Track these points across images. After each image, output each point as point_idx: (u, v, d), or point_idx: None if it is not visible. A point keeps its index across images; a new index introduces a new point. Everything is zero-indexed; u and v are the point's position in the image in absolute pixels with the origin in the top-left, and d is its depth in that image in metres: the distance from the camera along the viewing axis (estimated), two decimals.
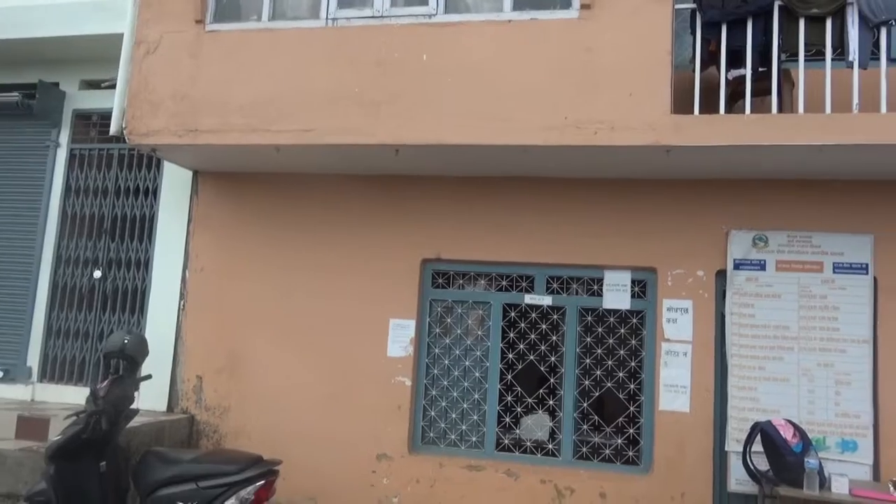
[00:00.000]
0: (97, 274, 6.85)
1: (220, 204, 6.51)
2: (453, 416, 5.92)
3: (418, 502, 5.71)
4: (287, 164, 6.06)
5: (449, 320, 6.07)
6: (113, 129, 5.89)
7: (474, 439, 5.86)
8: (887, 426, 5.06)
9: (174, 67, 5.73)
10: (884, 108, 4.65)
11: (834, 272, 5.29)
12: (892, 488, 4.56)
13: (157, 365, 5.86)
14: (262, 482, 4.55)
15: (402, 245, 6.03)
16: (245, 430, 6.09)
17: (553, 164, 5.52)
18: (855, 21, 4.76)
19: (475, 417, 5.88)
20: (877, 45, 4.81)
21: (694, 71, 5.08)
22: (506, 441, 5.86)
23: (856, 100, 4.69)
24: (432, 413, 5.95)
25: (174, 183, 6.66)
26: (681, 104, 5.00)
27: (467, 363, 5.96)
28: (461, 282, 6.11)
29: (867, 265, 5.24)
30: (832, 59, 4.80)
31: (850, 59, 4.77)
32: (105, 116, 6.40)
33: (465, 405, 5.92)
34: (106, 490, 4.48)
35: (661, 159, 5.12)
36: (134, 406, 4.81)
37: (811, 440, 4.87)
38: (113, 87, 6.05)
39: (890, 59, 4.86)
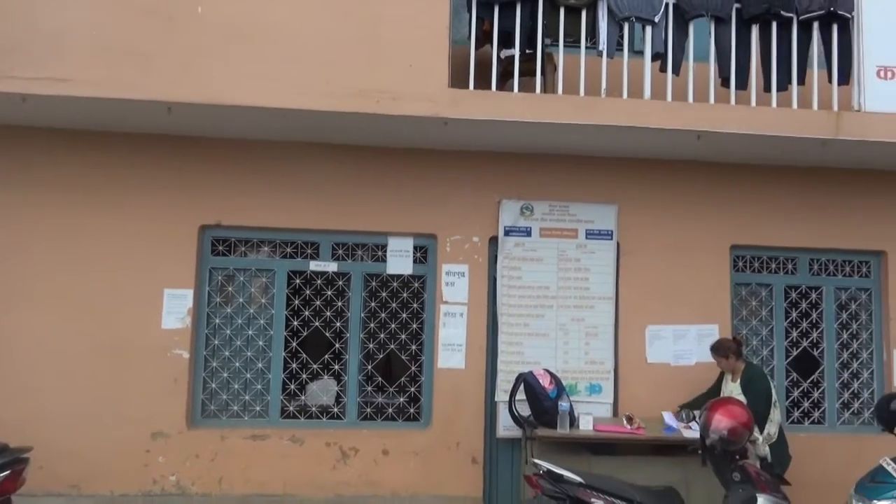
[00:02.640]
0: None
1: None
2: (236, 386, 5.76)
3: (198, 478, 5.50)
4: (39, 117, 5.37)
5: (230, 289, 5.86)
6: None
7: (258, 409, 5.76)
8: (624, 369, 5.89)
9: None
10: (625, 94, 5.32)
11: (586, 238, 5.98)
12: (625, 421, 5.35)
13: None
14: (7, 472, 4.07)
15: (178, 210, 5.67)
16: None
17: (337, 131, 5.53)
18: (604, 15, 5.36)
19: (259, 387, 5.78)
20: (623, 37, 5.47)
21: (470, 48, 5.37)
22: (291, 408, 5.84)
23: (604, 85, 5.30)
24: (213, 385, 5.74)
25: None
26: (458, 79, 5.29)
27: (250, 332, 5.82)
28: (243, 249, 5.92)
29: (612, 231, 6.00)
30: (586, 48, 5.37)
31: (600, 48, 5.38)
32: None
33: (248, 375, 5.78)
34: None
35: (440, 130, 5.38)
36: None
37: (565, 386, 5.52)
38: None
39: (633, 51, 5.54)
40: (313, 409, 5.96)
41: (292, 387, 5.88)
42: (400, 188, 5.88)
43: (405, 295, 6.00)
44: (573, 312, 5.90)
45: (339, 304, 5.97)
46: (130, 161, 5.68)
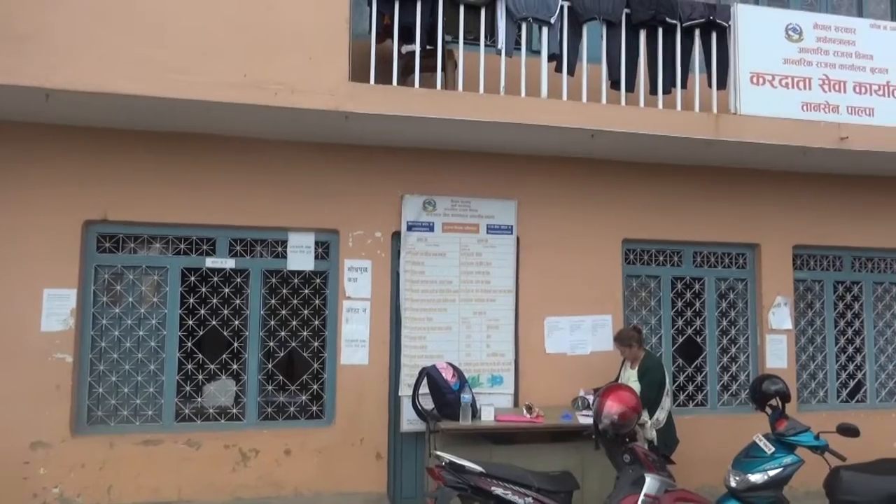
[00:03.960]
0: None
1: None
2: (126, 390, 5.47)
3: (85, 488, 5.19)
4: None
5: (119, 287, 5.55)
6: None
7: (151, 413, 5.50)
8: (524, 360, 6.06)
9: None
10: (523, 93, 5.47)
11: (487, 233, 6.10)
12: (525, 411, 5.51)
13: None
14: None
15: (59, 205, 5.30)
16: None
17: (234, 123, 5.35)
18: (503, 14, 5.48)
19: (151, 390, 5.52)
20: (521, 37, 5.61)
21: (371, 42, 5.34)
22: (187, 411, 5.62)
23: (502, 83, 5.42)
24: (100, 390, 5.42)
25: None
26: (360, 73, 5.25)
27: (141, 333, 5.54)
28: (132, 245, 5.62)
29: (512, 226, 6.15)
30: (485, 46, 5.46)
31: (499, 47, 5.49)
32: None
33: (139, 378, 5.50)
34: None
35: (341, 124, 5.32)
36: None
37: (467, 378, 5.61)
38: None
39: (530, 51, 5.70)
40: (211, 410, 5.75)
41: (188, 389, 5.65)
42: (300, 182, 5.77)
43: (306, 291, 5.90)
44: (475, 306, 6.01)
45: (238, 301, 5.79)
46: (4, 152, 5.26)
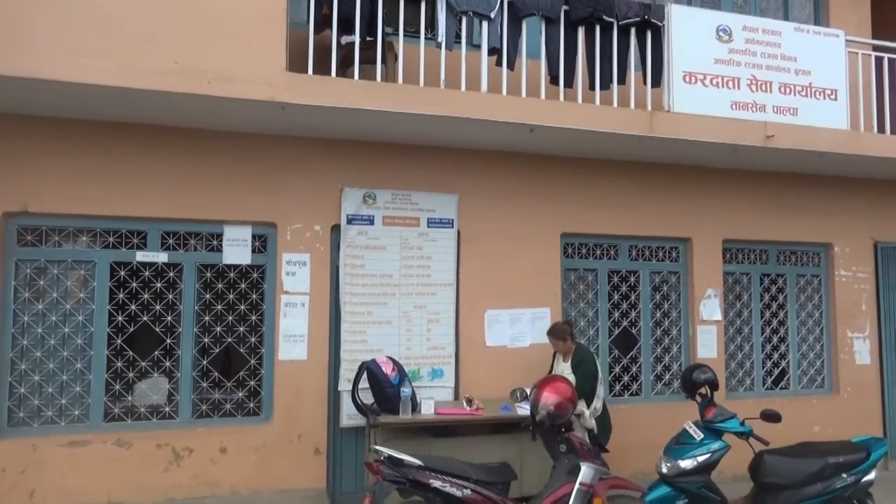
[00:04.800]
0: None
1: None
2: (50, 390, 5.24)
3: (5, 494, 4.95)
4: None
5: (42, 283, 5.30)
6: None
7: (77, 413, 5.28)
8: (465, 353, 6.09)
9: None
10: (463, 87, 5.47)
11: (428, 226, 6.10)
12: (464, 403, 5.55)
13: None
14: None
15: None
16: None
17: (165, 112, 5.17)
18: (443, 7, 5.47)
19: (78, 389, 5.30)
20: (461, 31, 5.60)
21: (309, 32, 5.24)
22: (116, 410, 5.42)
23: (443, 76, 5.41)
24: (22, 390, 5.17)
25: None
26: (297, 63, 5.15)
27: (67, 330, 5.30)
28: (57, 239, 5.36)
29: (453, 220, 6.16)
30: (426, 39, 5.44)
31: (439, 40, 5.48)
32: None
33: (64, 377, 5.27)
34: None
35: (279, 115, 5.21)
36: None
37: (407, 372, 5.60)
38: None
39: (471, 45, 5.71)
40: (142, 409, 5.56)
41: (117, 387, 5.45)
42: (237, 174, 5.63)
43: (243, 286, 5.77)
44: (415, 299, 5.99)
45: (171, 296, 5.61)
46: None
